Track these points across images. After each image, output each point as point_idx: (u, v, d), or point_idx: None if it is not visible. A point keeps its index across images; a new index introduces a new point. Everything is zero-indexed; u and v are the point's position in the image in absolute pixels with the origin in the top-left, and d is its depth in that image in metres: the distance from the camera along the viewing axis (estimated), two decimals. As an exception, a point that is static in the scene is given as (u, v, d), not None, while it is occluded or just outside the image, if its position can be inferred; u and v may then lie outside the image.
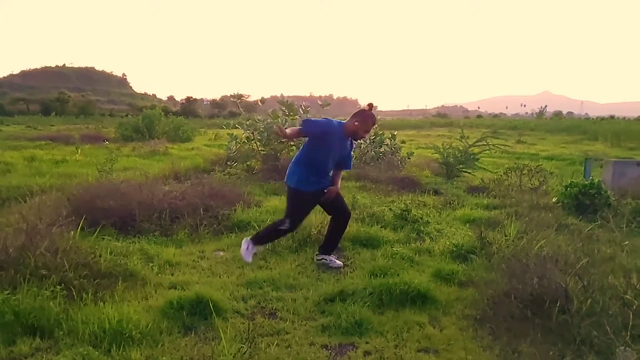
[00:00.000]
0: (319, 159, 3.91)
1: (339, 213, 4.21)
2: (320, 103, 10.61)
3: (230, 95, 9.50)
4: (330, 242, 4.22)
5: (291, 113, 9.93)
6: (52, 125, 35.09)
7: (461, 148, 10.21)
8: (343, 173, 4.57)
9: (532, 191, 7.89)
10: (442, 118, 61.89)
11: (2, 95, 77.71)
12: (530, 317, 2.95)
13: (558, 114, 58.22)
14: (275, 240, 4.36)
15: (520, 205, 6.66)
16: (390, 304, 3.28)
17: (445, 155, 10.22)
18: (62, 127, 32.63)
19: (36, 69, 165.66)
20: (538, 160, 13.82)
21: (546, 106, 61.95)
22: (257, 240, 4.05)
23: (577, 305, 2.89)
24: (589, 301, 2.88)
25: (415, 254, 4.39)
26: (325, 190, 4.02)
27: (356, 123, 3.86)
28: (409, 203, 5.86)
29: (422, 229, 5.21)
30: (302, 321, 3.08)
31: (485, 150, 10.72)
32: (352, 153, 4.14)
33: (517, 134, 29.64)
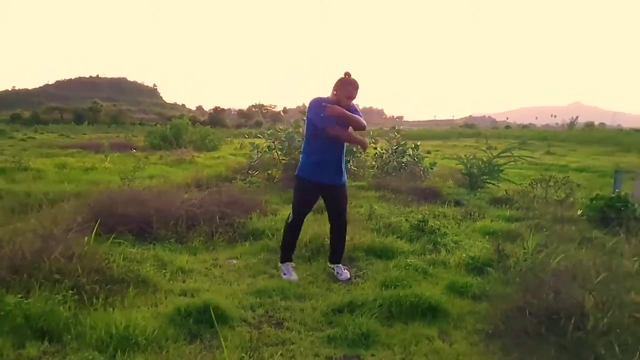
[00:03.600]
0: (321, 144, 3.85)
1: (335, 216, 4.12)
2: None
3: (252, 105, 9.60)
4: (335, 251, 4.19)
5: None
6: (84, 134, 36.11)
7: (485, 159, 10.05)
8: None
9: (558, 204, 7.68)
10: (470, 128, 61.02)
11: (37, 105, 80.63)
12: (544, 334, 2.84)
13: (590, 125, 56.45)
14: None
15: (544, 218, 6.49)
16: (400, 317, 3.21)
17: (468, 166, 10.06)
18: (94, 135, 33.57)
19: (70, 79, 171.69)
20: (567, 172, 13.42)
21: (577, 117, 60.15)
22: (282, 256, 4.17)
23: (594, 322, 2.77)
24: (605, 318, 2.76)
25: (430, 266, 4.29)
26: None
27: (335, 92, 3.87)
28: (426, 214, 5.76)
29: (439, 240, 5.12)
30: (308, 332, 3.05)
31: (510, 162, 10.51)
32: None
33: (546, 145, 28.96)
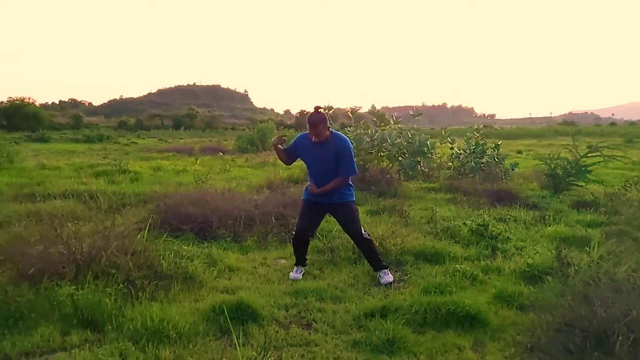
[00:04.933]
0: (310, 171, 4.20)
1: (350, 237, 4.19)
2: (411, 113, 10.39)
3: (324, 107, 9.68)
4: (369, 262, 4.17)
5: (382, 123, 9.86)
6: (180, 139, 38.55)
7: (570, 158, 9.30)
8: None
9: (653, 208, 6.91)
10: (569, 126, 56.81)
11: (141, 112, 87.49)
12: (588, 351, 2.58)
13: None
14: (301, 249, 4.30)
15: (630, 224, 5.87)
16: (434, 324, 3.09)
17: (552, 166, 9.37)
18: (189, 140, 35.73)
19: (170, 87, 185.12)
20: (679, 174, 12.00)
21: (697, 111, 53.59)
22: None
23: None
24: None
25: (482, 272, 4.07)
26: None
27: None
28: (487, 218, 5.45)
29: (499, 245, 4.83)
30: (335, 334, 3.03)
31: (599, 162, 9.63)
32: (348, 157, 3.97)
33: (657, 143, 26.23)
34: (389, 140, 9.05)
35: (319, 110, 3.99)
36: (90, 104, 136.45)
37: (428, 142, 9.47)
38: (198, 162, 14.63)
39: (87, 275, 3.40)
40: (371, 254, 4.11)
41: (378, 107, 11.57)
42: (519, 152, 20.75)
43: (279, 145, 4.16)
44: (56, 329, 2.89)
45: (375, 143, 9.15)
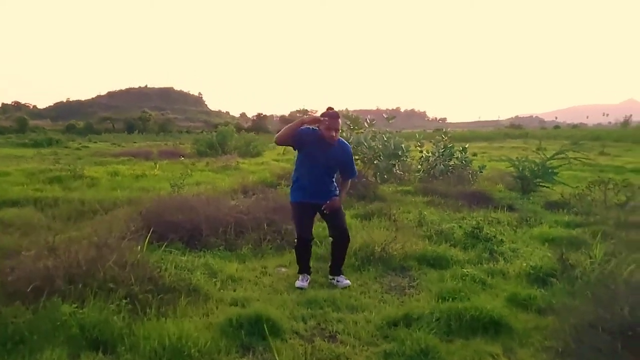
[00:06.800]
0: (307, 169, 3.98)
1: (336, 232, 4.10)
2: (385, 116, 10.46)
3: (297, 111, 9.56)
4: (336, 264, 4.13)
5: (356, 127, 9.85)
6: (134, 142, 37.29)
7: (538, 161, 9.64)
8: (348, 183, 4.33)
9: (618, 208, 7.22)
10: (516, 129, 59.16)
11: (91, 115, 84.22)
12: (620, 352, 2.61)
13: (646, 123, 53.19)
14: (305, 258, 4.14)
15: (606, 224, 6.10)
16: (460, 332, 3.04)
17: (520, 168, 9.67)
18: (144, 144, 34.59)
19: (121, 89, 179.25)
20: (624, 173, 12.72)
21: (631, 115, 56.91)
22: (299, 268, 4.16)
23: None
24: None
25: (488, 276, 4.08)
26: (325, 205, 3.96)
27: (318, 126, 3.93)
28: (481, 220, 5.52)
29: (496, 248, 4.88)
30: (363, 346, 2.92)
31: (564, 164, 10.03)
32: (352, 162, 4.12)
33: (599, 145, 27.67)
34: (365, 144, 9.04)
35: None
36: (35, 106, 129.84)
37: (403, 145, 9.53)
38: (157, 166, 14.16)
39: (86, 291, 3.14)
40: (343, 255, 4.12)
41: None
42: (474, 154, 21.29)
43: (305, 125, 3.89)
44: (64, 351, 2.63)
45: (352, 146, 9.11)
